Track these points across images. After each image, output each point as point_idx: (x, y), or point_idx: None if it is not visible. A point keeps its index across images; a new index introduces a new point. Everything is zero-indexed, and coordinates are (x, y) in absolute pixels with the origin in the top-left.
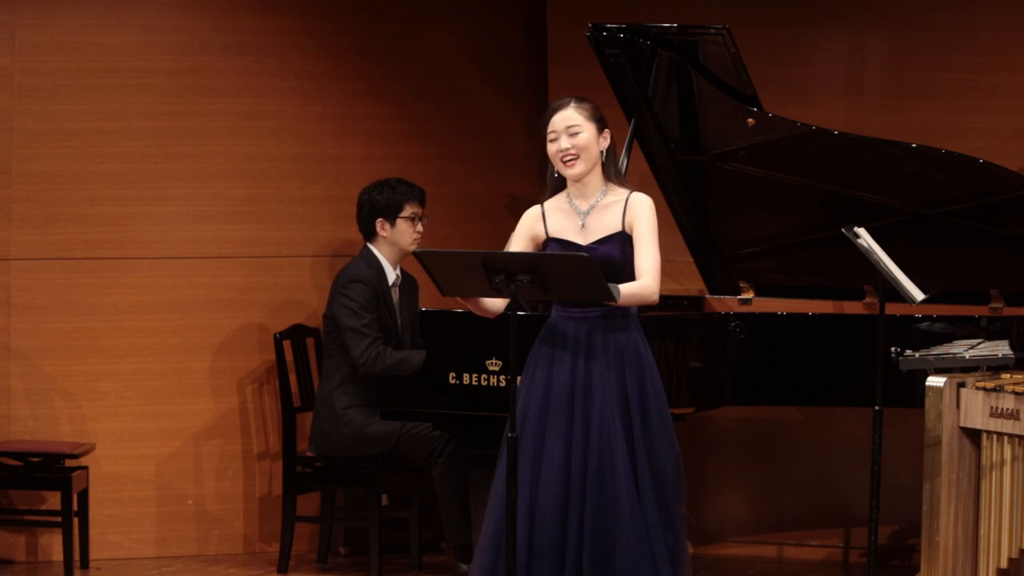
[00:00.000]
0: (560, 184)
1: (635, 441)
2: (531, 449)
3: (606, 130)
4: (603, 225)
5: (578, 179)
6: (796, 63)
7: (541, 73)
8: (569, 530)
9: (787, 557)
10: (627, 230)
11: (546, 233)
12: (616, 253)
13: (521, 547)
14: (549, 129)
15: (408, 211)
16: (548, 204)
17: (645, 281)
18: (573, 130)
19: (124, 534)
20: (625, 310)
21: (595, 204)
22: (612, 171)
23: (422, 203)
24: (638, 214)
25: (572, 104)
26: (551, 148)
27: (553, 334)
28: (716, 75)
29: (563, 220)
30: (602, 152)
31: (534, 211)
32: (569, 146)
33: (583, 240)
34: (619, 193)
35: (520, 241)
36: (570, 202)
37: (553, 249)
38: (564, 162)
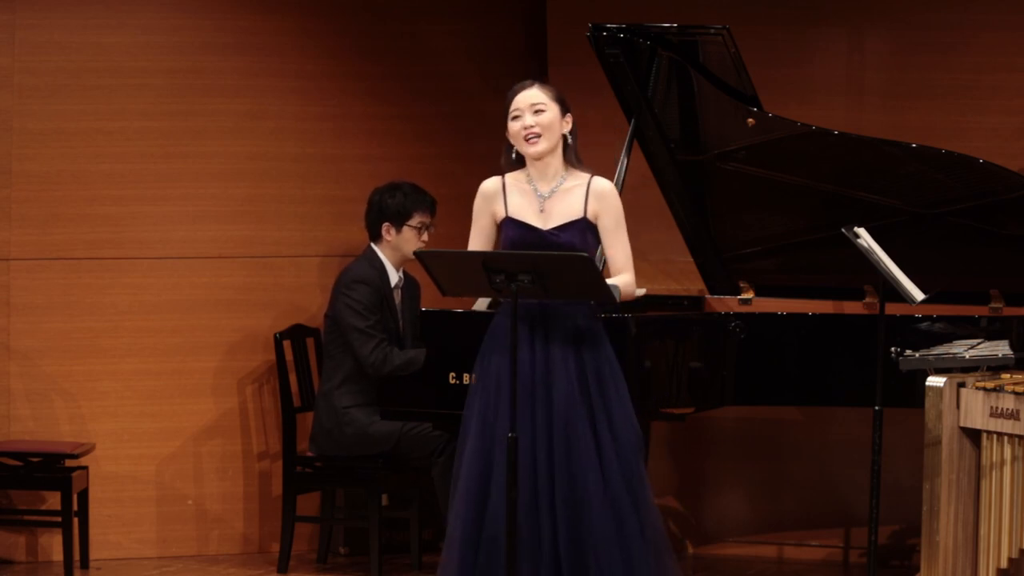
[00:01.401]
0: (519, 163)
1: (595, 415)
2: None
3: (569, 114)
4: (564, 211)
5: (539, 157)
6: (796, 63)
7: (541, 73)
8: (541, 516)
9: (787, 557)
10: (590, 217)
11: (505, 211)
12: (577, 241)
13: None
14: (512, 107)
15: (416, 220)
16: (509, 179)
17: (625, 279)
18: (537, 107)
19: (124, 534)
20: None
21: (556, 188)
22: (573, 156)
23: (432, 212)
24: (604, 205)
25: (536, 85)
26: (514, 126)
27: (507, 321)
28: (716, 75)
29: (522, 200)
30: (565, 136)
31: (493, 185)
32: (533, 123)
33: (542, 224)
34: (580, 177)
35: (481, 221)
36: (530, 182)
37: (509, 230)
38: (527, 140)
